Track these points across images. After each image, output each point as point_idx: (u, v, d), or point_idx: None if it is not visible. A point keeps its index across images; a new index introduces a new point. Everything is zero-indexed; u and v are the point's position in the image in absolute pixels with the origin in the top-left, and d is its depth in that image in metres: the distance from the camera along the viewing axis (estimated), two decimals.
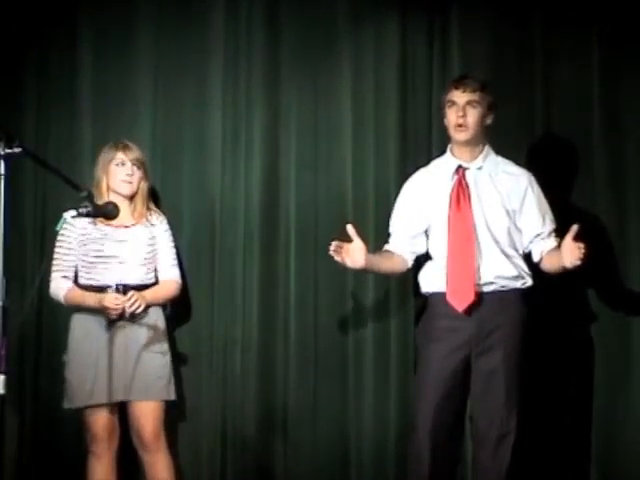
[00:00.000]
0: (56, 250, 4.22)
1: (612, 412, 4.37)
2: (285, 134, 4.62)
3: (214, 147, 4.64)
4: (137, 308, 4.10)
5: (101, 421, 4.13)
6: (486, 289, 3.85)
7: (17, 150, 3.07)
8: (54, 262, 4.21)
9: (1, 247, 3.00)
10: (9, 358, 2.92)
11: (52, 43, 4.72)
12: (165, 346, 4.21)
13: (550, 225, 3.89)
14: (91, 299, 4.12)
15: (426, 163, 4.37)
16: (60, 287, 4.20)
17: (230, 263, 4.59)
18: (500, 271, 3.85)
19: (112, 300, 4.08)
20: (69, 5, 4.71)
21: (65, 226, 4.08)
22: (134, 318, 4.12)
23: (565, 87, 4.46)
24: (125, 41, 4.70)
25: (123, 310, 4.08)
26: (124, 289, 4.13)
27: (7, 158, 3.04)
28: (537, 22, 4.48)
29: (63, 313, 4.54)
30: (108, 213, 3.57)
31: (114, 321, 4.11)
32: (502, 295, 3.84)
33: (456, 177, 3.93)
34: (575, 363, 4.38)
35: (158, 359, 4.17)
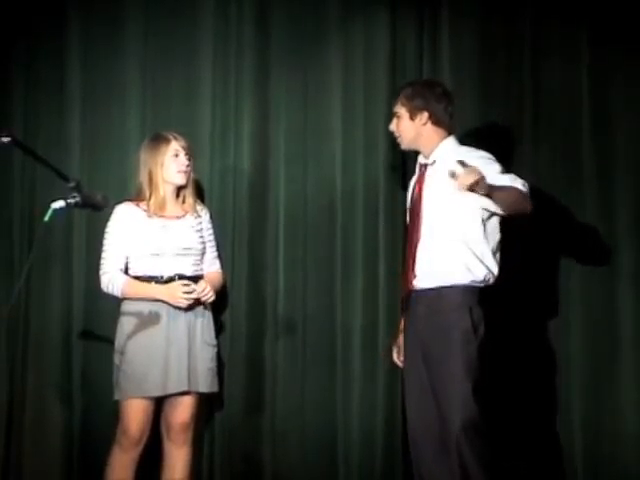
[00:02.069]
0: (106, 243, 4.16)
1: (598, 400, 4.42)
2: (275, 129, 4.65)
3: (203, 141, 4.65)
4: (210, 297, 4.11)
5: (139, 415, 4.06)
6: (427, 283, 3.82)
7: (5, 140, 3.07)
8: (104, 255, 4.15)
9: None
10: None
11: (40, 38, 4.71)
12: (214, 338, 4.22)
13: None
14: (157, 291, 4.08)
15: (414, 159, 4.40)
16: (116, 280, 4.11)
17: (220, 252, 4.53)
18: (439, 265, 3.80)
19: (184, 290, 4.05)
20: None
21: (115, 216, 4.10)
22: (195, 308, 4.11)
23: (554, 84, 4.49)
24: (114, 36, 4.70)
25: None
26: (180, 279, 4.10)
27: None
28: (527, 19, 4.52)
29: (53, 305, 4.62)
30: (97, 204, 3.50)
31: (176, 311, 4.08)
32: (444, 289, 3.78)
33: (418, 173, 3.98)
34: (560, 353, 4.43)
35: (210, 351, 4.18)
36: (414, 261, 3.86)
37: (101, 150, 4.49)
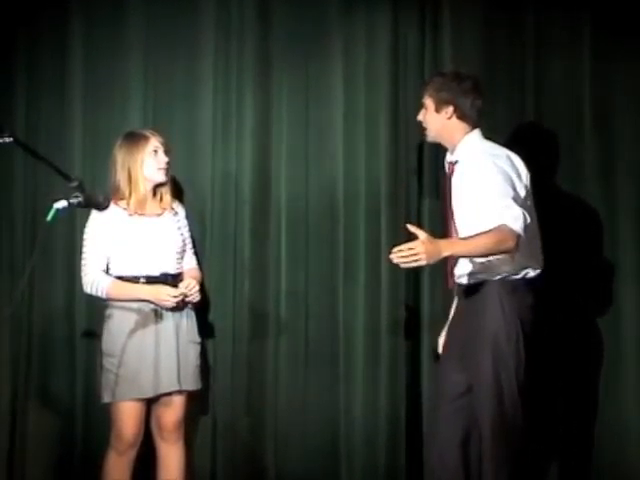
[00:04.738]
0: (86, 244, 4.14)
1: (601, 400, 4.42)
2: (276, 126, 4.65)
3: (205, 138, 4.66)
4: (196, 297, 4.13)
5: (133, 418, 4.07)
6: (462, 280, 3.84)
7: (8, 140, 3.08)
8: (85, 256, 4.13)
9: None
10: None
11: (42, 34, 4.72)
12: (198, 336, 4.23)
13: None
14: (143, 291, 4.08)
15: (417, 155, 4.49)
16: (100, 281, 4.09)
17: (221, 253, 4.62)
18: (470, 263, 3.79)
19: (171, 292, 4.05)
20: None
21: (95, 216, 4.06)
22: (182, 308, 4.13)
23: (556, 79, 4.49)
24: (115, 33, 4.70)
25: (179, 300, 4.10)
26: (165, 278, 4.12)
27: None
28: (529, 14, 4.50)
29: (56, 305, 4.64)
30: (99, 204, 3.54)
31: (163, 311, 4.09)
32: (474, 286, 3.78)
33: (448, 171, 3.96)
34: (564, 355, 4.41)
35: (196, 349, 4.20)
36: (455, 259, 3.83)
37: (103, 149, 4.45)
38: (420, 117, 3.96)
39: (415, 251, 3.38)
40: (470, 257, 3.67)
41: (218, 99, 4.66)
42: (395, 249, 3.42)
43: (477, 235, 3.54)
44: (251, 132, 4.64)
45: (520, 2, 4.51)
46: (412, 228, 3.49)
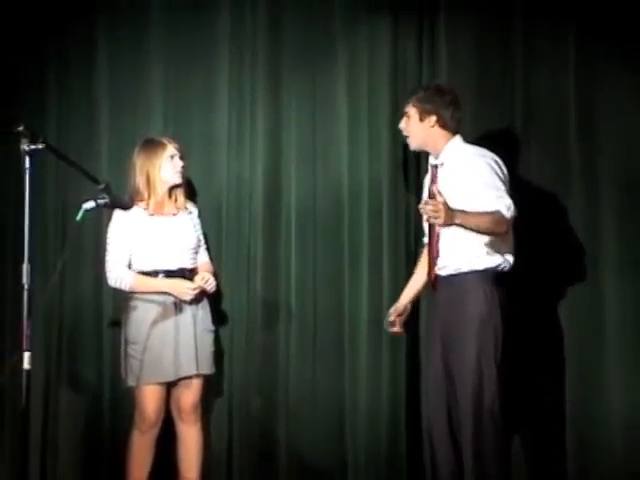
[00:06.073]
0: (110, 242, 4.37)
1: (584, 384, 4.53)
2: (286, 132, 4.83)
3: (220, 144, 4.87)
4: (213, 287, 4.40)
5: (155, 399, 4.31)
6: (446, 271, 4.06)
7: (41, 146, 3.28)
8: (110, 253, 4.36)
9: (27, 235, 3.22)
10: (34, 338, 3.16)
11: (70, 52, 4.96)
12: (212, 324, 4.49)
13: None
14: (163, 284, 4.34)
15: (415, 159, 4.67)
16: (124, 276, 4.33)
17: (236, 250, 4.84)
18: (456, 255, 4.02)
19: (190, 285, 4.32)
20: (87, 13, 4.96)
21: (117, 216, 4.30)
22: (199, 300, 4.40)
23: (543, 86, 4.63)
24: (138, 48, 4.93)
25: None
26: (182, 272, 4.39)
27: (32, 154, 3.27)
28: (518, 27, 4.67)
29: (83, 296, 4.88)
30: (124, 205, 3.79)
31: (181, 302, 4.36)
32: (459, 276, 4.01)
33: (431, 173, 4.19)
34: (547, 348, 4.54)
35: (211, 336, 4.46)
36: (437, 252, 4.07)
37: (127, 154, 4.60)
38: (402, 125, 4.17)
39: (438, 208, 3.68)
40: (470, 230, 3.87)
41: (233, 107, 4.86)
42: (424, 201, 3.74)
43: (480, 213, 3.84)
44: (263, 138, 4.83)
45: (509, 18, 4.67)
46: (436, 190, 3.77)
